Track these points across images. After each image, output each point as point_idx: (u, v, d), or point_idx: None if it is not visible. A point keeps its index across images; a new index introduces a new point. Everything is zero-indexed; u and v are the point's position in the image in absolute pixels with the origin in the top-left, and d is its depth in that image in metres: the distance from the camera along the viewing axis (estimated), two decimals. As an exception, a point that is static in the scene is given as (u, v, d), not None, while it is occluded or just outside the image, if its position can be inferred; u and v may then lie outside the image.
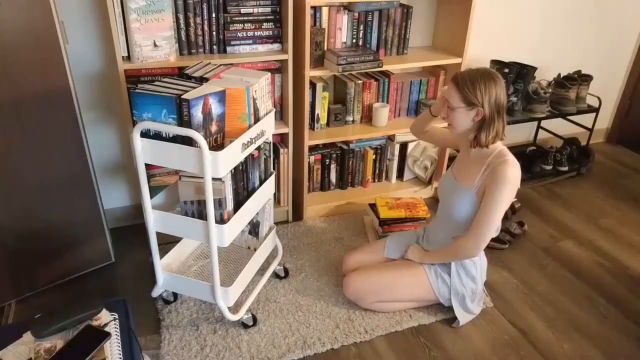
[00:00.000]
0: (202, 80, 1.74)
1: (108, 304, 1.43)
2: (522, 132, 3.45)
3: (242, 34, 2.22)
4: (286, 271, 2.23)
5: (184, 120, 1.56)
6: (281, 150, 2.46)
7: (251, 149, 1.78)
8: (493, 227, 1.81)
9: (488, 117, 1.77)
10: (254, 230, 2.15)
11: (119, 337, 1.34)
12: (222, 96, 1.63)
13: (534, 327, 2.03)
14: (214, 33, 2.18)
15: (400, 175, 2.91)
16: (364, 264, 2.11)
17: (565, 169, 3.21)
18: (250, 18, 2.21)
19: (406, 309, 2.06)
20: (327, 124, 2.60)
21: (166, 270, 1.95)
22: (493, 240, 2.46)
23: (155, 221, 1.80)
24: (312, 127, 2.54)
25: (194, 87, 1.64)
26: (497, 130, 1.80)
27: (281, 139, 2.51)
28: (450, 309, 2.02)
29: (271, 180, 2.02)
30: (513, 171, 1.76)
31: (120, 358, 1.28)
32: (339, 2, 2.42)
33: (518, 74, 2.81)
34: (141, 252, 2.33)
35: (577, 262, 2.43)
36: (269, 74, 1.87)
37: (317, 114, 2.53)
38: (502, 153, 1.82)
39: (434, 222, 2.11)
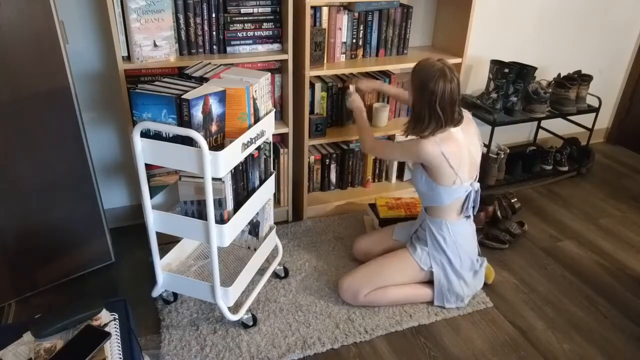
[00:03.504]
0: (202, 80, 1.74)
1: (108, 304, 1.43)
2: (522, 132, 3.45)
3: (242, 34, 2.22)
4: (286, 271, 2.23)
5: (184, 120, 1.56)
6: (281, 150, 2.46)
7: (251, 149, 1.78)
8: (384, 149, 2.21)
9: (419, 110, 1.87)
10: (254, 230, 2.15)
11: (119, 337, 1.34)
12: (222, 96, 1.63)
13: (534, 327, 2.03)
14: (214, 33, 2.18)
15: (400, 175, 2.91)
16: (371, 249, 2.22)
17: (566, 169, 3.21)
18: (250, 18, 2.21)
19: (406, 302, 2.07)
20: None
21: (166, 270, 1.95)
22: (493, 240, 2.47)
23: (155, 221, 1.80)
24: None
25: (194, 87, 1.64)
26: (429, 126, 1.86)
27: (281, 139, 2.51)
28: (450, 308, 2.03)
29: (271, 180, 2.02)
30: (423, 144, 1.87)
31: (120, 358, 1.28)
32: (339, 2, 2.42)
33: (518, 74, 2.81)
34: (141, 252, 2.33)
35: (577, 262, 2.43)
36: (269, 74, 1.87)
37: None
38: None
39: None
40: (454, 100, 1.85)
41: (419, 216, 2.19)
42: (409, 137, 1.99)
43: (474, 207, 2.02)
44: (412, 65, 2.53)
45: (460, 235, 2.01)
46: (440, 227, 2.00)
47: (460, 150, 1.90)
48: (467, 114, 2.00)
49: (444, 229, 1.99)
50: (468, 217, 2.04)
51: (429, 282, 2.08)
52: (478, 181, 1.99)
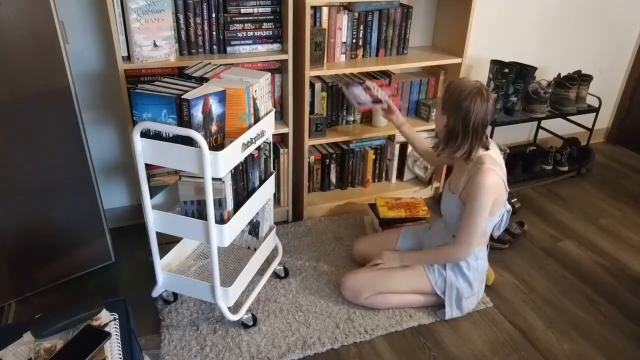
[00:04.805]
0: (202, 80, 1.74)
1: (108, 304, 1.43)
2: (522, 132, 3.45)
3: (242, 34, 2.22)
4: (286, 271, 2.23)
5: (184, 120, 1.56)
6: (281, 150, 2.46)
7: (251, 149, 1.78)
8: (476, 233, 1.86)
9: (453, 128, 1.83)
10: (254, 230, 2.15)
11: (119, 337, 1.34)
12: (222, 96, 1.63)
13: (534, 327, 2.03)
14: (214, 33, 2.18)
15: (400, 175, 2.91)
16: (371, 253, 2.17)
17: (565, 169, 3.21)
18: (250, 18, 2.21)
19: (405, 307, 2.06)
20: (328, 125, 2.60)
21: (166, 270, 1.95)
22: (493, 240, 2.47)
23: (155, 221, 1.80)
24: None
25: (194, 87, 1.64)
26: (462, 146, 1.83)
27: (281, 139, 2.51)
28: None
29: (271, 180, 2.02)
30: (486, 178, 1.80)
31: (120, 358, 1.28)
32: (339, 2, 2.42)
33: (518, 74, 2.81)
34: (141, 252, 2.33)
35: (577, 262, 2.43)
36: (269, 74, 1.87)
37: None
38: (480, 160, 1.85)
39: (433, 228, 2.17)
40: (487, 121, 1.82)
41: (434, 232, 2.13)
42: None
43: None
44: (412, 65, 2.57)
45: (482, 260, 2.00)
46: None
47: (504, 173, 1.88)
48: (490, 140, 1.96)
49: (471, 255, 1.95)
50: (495, 237, 2.03)
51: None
52: None
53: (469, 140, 1.82)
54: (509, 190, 1.93)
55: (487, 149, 1.88)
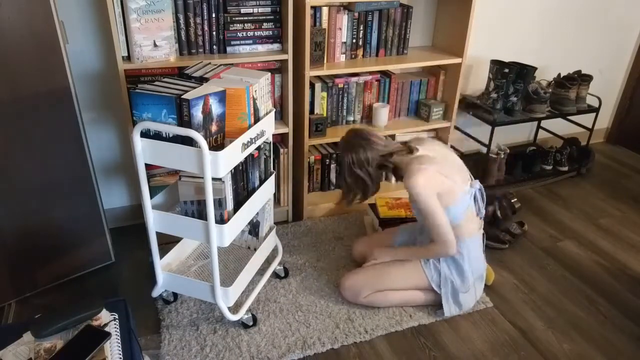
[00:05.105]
0: (202, 80, 1.74)
1: (108, 304, 1.43)
2: (522, 132, 3.45)
3: (242, 34, 2.22)
4: (286, 271, 2.23)
5: (184, 120, 1.56)
6: (281, 150, 2.46)
7: (251, 149, 1.78)
8: (444, 231, 1.90)
9: (351, 180, 2.04)
10: (254, 230, 2.15)
11: (119, 337, 1.34)
12: (222, 96, 1.63)
13: (534, 327, 2.03)
14: (214, 33, 2.18)
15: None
16: (371, 252, 2.17)
17: (565, 169, 3.21)
18: (250, 18, 2.21)
19: (405, 304, 2.06)
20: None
21: (166, 270, 1.95)
22: (493, 240, 2.47)
23: (155, 221, 1.80)
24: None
25: (194, 87, 1.64)
26: (370, 184, 2.04)
27: (281, 139, 2.51)
28: (450, 309, 2.03)
29: (271, 180, 2.02)
30: (413, 181, 1.86)
31: (120, 358, 1.28)
32: (339, 2, 2.42)
33: (518, 74, 2.81)
34: (141, 252, 2.33)
35: (577, 262, 2.43)
36: (269, 74, 1.87)
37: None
38: (406, 167, 1.93)
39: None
40: (366, 162, 1.99)
41: (424, 230, 2.14)
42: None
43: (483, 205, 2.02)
44: (412, 65, 2.57)
45: (474, 250, 2.00)
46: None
47: (441, 163, 1.91)
48: (426, 139, 2.08)
49: (461, 245, 1.97)
50: (481, 219, 2.03)
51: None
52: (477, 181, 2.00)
53: (361, 183, 2.02)
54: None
55: (411, 152, 1.95)
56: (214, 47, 2.21)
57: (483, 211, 2.03)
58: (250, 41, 2.24)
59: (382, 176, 2.12)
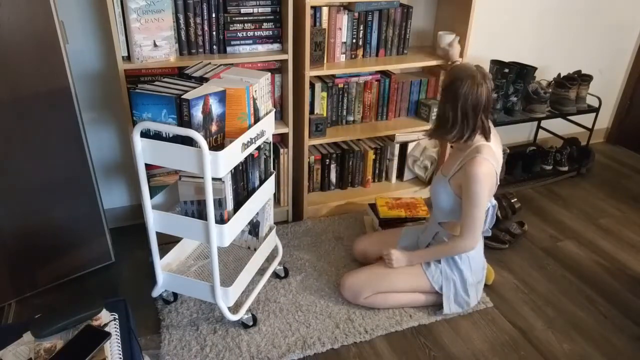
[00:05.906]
0: (202, 80, 1.74)
1: (108, 304, 1.43)
2: (522, 132, 3.45)
3: (242, 34, 2.22)
4: (286, 271, 2.23)
5: (184, 120, 1.56)
6: (281, 150, 2.46)
7: (251, 149, 1.78)
8: (478, 224, 1.86)
9: (442, 111, 1.82)
10: (254, 230, 2.15)
11: (119, 337, 1.34)
12: (222, 96, 1.63)
13: (534, 327, 2.03)
14: (214, 33, 2.18)
15: (400, 175, 2.91)
16: (372, 251, 2.18)
17: (565, 169, 3.21)
18: (250, 18, 2.21)
19: (405, 306, 2.06)
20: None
21: (166, 270, 1.95)
22: (493, 240, 2.47)
23: (155, 221, 1.80)
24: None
25: (194, 87, 1.64)
26: (451, 130, 1.81)
27: (281, 139, 2.51)
28: (450, 309, 2.03)
29: (271, 180, 2.02)
30: (480, 168, 1.79)
31: (120, 358, 1.28)
32: (339, 2, 2.42)
33: (518, 74, 2.81)
34: (141, 252, 2.33)
35: (577, 262, 2.43)
36: (269, 74, 1.87)
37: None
38: (476, 149, 1.84)
39: (427, 229, 2.16)
40: (478, 107, 1.78)
41: (427, 227, 2.14)
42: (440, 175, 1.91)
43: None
44: (412, 65, 2.57)
45: (475, 250, 1.99)
46: None
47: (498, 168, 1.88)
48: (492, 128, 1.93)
49: (477, 245, 1.95)
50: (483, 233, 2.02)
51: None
52: None
53: (458, 124, 1.80)
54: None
55: (487, 139, 1.86)
56: (214, 47, 2.21)
57: (490, 230, 2.02)
58: (250, 41, 2.24)
59: (468, 130, 1.84)
